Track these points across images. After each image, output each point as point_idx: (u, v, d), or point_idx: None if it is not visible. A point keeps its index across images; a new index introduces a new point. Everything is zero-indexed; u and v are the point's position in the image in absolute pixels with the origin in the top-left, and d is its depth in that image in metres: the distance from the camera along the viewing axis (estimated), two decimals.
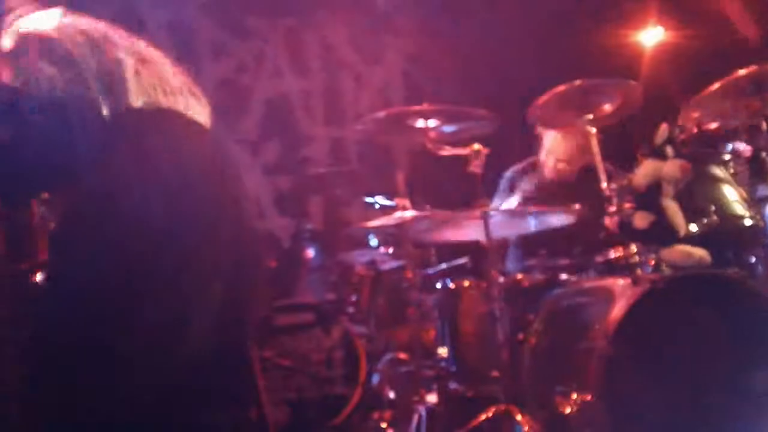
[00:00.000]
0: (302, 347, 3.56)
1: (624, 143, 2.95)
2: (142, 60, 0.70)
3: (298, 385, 3.49)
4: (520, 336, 2.98)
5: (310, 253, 4.01)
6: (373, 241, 3.76)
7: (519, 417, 2.83)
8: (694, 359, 2.52)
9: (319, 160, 5.35)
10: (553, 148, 3.78)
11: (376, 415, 3.49)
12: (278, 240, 4.29)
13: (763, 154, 2.71)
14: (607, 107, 3.14)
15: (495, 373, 2.95)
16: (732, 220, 2.73)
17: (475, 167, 3.15)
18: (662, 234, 2.72)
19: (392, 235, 3.66)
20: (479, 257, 3.47)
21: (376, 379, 3.55)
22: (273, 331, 3.55)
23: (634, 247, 2.78)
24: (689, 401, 2.48)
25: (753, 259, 2.97)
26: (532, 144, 3.93)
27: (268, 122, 5.30)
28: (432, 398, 3.23)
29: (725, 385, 2.50)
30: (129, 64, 0.68)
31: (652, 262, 2.77)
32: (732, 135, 2.90)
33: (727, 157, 2.87)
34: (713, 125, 2.92)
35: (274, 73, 5.53)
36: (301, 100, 5.59)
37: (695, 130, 2.90)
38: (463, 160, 3.21)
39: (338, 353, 3.52)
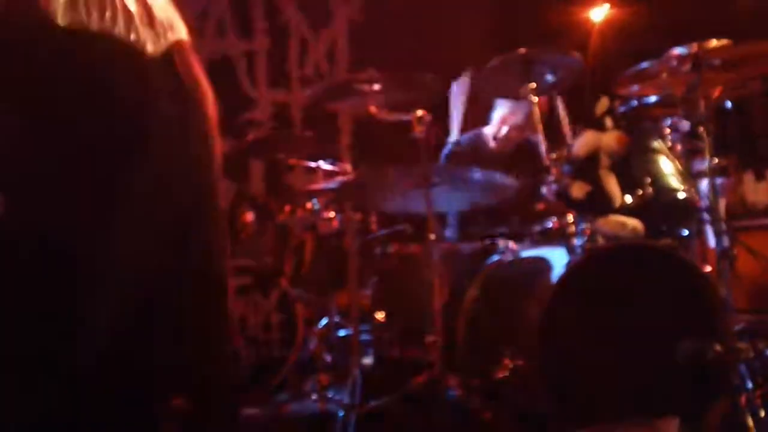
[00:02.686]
0: (240, 310, 3.53)
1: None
2: None
3: (235, 347, 3.46)
4: (457, 302, 3.00)
5: (250, 216, 3.95)
6: (315, 206, 3.72)
7: (453, 382, 2.87)
8: (625, 327, 2.57)
9: (261, 123, 5.25)
10: (506, 117, 3.79)
11: (311, 379, 3.48)
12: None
13: (700, 128, 2.75)
14: (550, 77, 3.15)
15: (431, 339, 2.97)
16: (667, 192, 2.78)
17: (419, 133, 3.13)
18: (598, 204, 2.76)
19: (334, 200, 3.63)
20: (419, 224, 3.47)
21: (313, 342, 3.54)
22: None
23: (570, 217, 2.81)
24: (619, 368, 2.54)
25: (685, 232, 3.05)
26: (478, 113, 3.94)
27: (210, 83, 5.17)
28: (368, 362, 3.25)
29: (654, 352, 2.56)
30: None
31: (588, 232, 2.81)
32: (670, 109, 2.95)
33: (665, 130, 2.92)
34: (652, 99, 2.96)
35: (217, 32, 5.39)
36: (245, 61, 5.47)
37: (635, 103, 2.94)
38: (407, 126, 3.18)
39: (276, 316, 3.49)
